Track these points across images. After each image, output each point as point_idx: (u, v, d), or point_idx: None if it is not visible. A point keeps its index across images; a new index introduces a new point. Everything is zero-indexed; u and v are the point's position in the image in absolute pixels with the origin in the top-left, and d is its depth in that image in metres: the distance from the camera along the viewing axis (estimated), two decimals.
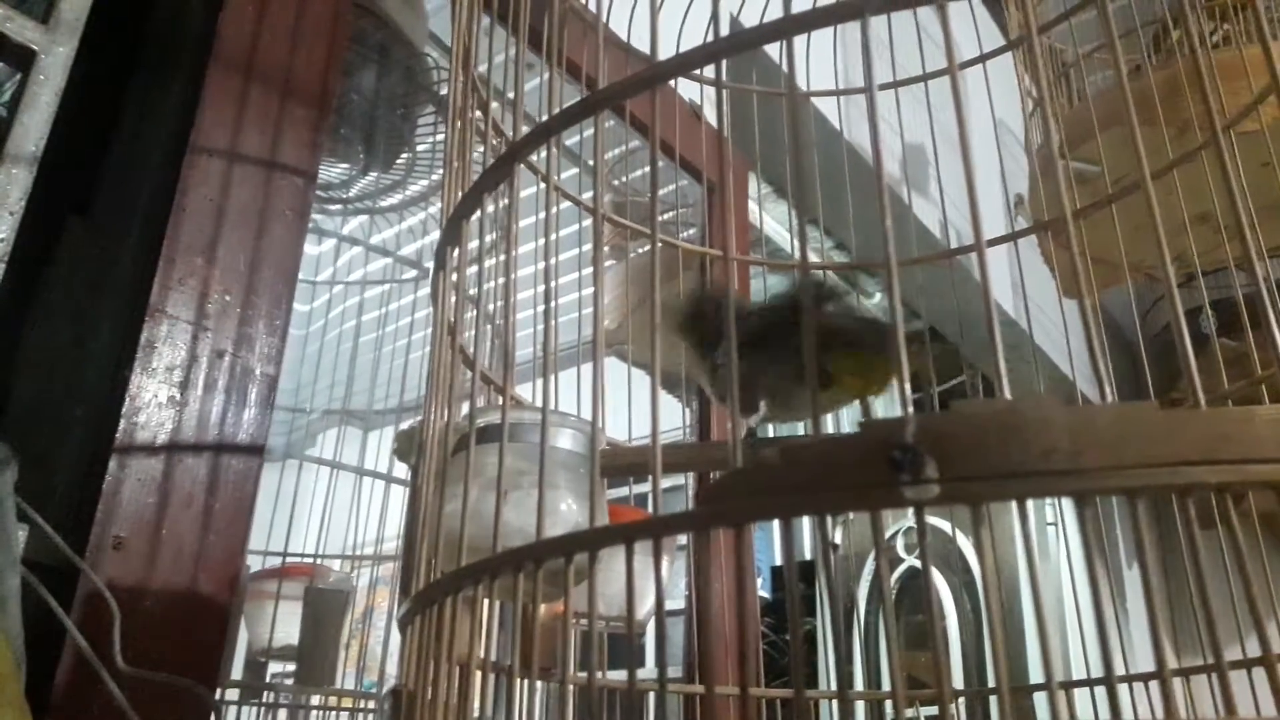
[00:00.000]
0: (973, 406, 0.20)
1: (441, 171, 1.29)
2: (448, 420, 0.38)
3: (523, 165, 0.42)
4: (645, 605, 0.73)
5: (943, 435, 0.20)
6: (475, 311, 0.44)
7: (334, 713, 1.22)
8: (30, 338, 0.62)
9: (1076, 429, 0.20)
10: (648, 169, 1.38)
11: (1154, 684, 0.64)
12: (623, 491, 1.09)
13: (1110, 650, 0.20)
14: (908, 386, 0.23)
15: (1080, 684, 0.67)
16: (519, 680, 0.53)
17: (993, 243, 0.68)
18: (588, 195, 0.74)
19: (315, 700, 1.19)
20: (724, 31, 0.32)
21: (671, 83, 0.98)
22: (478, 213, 0.40)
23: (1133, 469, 0.20)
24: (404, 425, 0.80)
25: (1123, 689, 0.66)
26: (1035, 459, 0.20)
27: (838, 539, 2.16)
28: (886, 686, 2.09)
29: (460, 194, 0.43)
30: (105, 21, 0.65)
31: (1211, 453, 0.20)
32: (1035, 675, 1.59)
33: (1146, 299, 2.69)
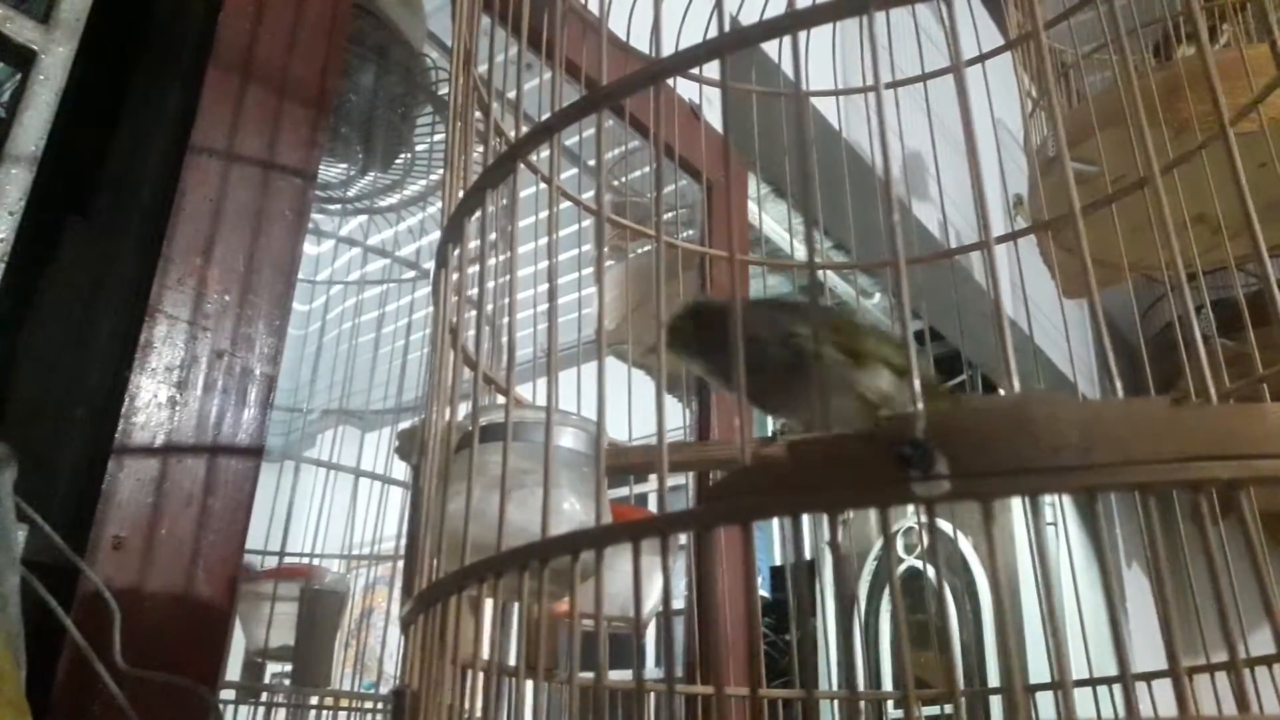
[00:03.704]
0: (982, 403, 0.20)
1: (440, 172, 1.29)
2: (449, 419, 0.38)
3: (523, 165, 0.42)
4: (648, 605, 0.73)
5: (952, 431, 0.20)
6: (476, 311, 0.44)
7: (332, 713, 1.22)
8: (30, 338, 0.62)
9: (1086, 425, 0.20)
10: (647, 169, 1.38)
11: (1153, 684, 0.64)
12: (623, 491, 1.09)
13: (1123, 648, 0.20)
14: (916, 383, 0.23)
15: (1084, 683, 0.67)
16: (523, 680, 0.53)
17: (995, 241, 0.68)
18: (587, 195, 0.74)
19: (313, 701, 1.19)
20: (724, 30, 0.32)
21: (669, 82, 0.98)
22: (478, 212, 0.40)
23: (1142, 464, 0.20)
24: (405, 425, 0.79)
25: (1119, 689, 0.65)
26: (1045, 455, 0.20)
27: (838, 538, 2.15)
28: (886, 686, 2.09)
29: (461, 193, 0.43)
30: (105, 22, 0.64)
31: (1222, 448, 0.20)
32: (1035, 675, 1.58)
33: (1145, 299, 2.69)
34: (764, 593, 2.35)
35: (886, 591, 2.19)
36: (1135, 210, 0.62)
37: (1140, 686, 0.63)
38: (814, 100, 0.93)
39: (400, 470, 1.37)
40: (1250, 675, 0.56)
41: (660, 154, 0.34)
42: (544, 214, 0.43)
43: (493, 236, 0.42)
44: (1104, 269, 0.99)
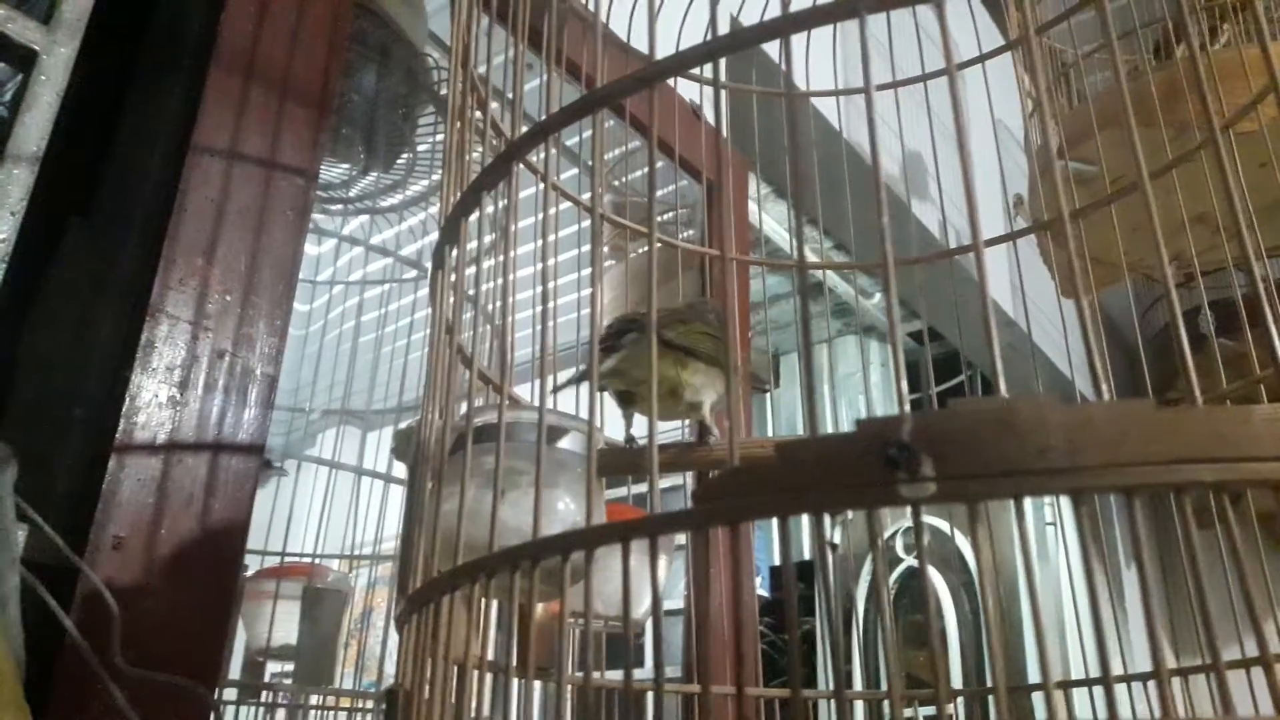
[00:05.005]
0: (969, 405, 0.20)
1: (442, 171, 1.29)
2: (445, 420, 0.38)
3: (522, 165, 0.43)
4: (642, 604, 0.73)
5: (939, 434, 0.20)
6: (474, 311, 0.44)
7: (333, 712, 1.22)
8: (30, 338, 0.62)
9: (1073, 427, 0.20)
10: (648, 169, 1.38)
11: (1153, 684, 0.64)
12: (621, 491, 1.09)
13: (1107, 649, 0.20)
14: (904, 384, 0.23)
15: (1078, 684, 0.67)
16: (515, 680, 0.53)
17: (991, 242, 0.68)
18: (587, 196, 0.74)
19: (314, 700, 1.19)
20: (723, 31, 0.32)
21: (670, 82, 0.98)
22: (476, 212, 0.40)
23: (1129, 467, 0.20)
24: (402, 425, 0.80)
25: (1121, 689, 0.66)
26: (1031, 457, 0.20)
27: (836, 538, 2.16)
28: (884, 686, 2.09)
29: (459, 193, 0.43)
30: (106, 22, 0.65)
31: (1208, 451, 0.20)
32: (1035, 675, 1.59)
33: (1145, 299, 2.69)
34: (764, 592, 2.35)
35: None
36: (1135, 210, 0.62)
37: (1139, 685, 0.63)
38: (815, 100, 0.93)
39: (401, 470, 1.38)
40: (1246, 676, 0.56)
41: (654, 155, 0.34)
42: (542, 214, 0.43)
43: (491, 236, 0.43)
44: (1104, 268, 0.99)
